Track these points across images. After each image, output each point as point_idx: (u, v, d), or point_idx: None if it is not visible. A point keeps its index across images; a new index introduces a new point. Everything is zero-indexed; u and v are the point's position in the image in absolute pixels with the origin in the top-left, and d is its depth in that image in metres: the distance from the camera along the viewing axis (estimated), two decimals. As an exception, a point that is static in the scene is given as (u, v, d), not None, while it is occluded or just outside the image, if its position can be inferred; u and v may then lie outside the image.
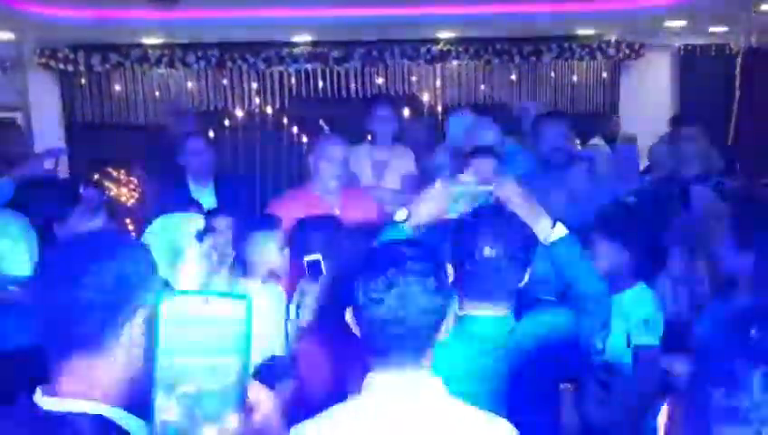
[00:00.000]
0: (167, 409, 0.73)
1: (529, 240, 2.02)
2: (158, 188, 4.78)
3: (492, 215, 2.03)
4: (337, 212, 3.48)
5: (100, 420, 1.12)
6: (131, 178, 6.98)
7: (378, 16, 6.30)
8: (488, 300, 1.96)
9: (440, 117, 7.53)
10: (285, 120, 7.68)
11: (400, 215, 2.22)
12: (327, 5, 5.94)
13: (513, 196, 2.15)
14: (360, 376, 1.61)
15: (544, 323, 2.01)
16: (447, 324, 1.57)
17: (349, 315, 1.59)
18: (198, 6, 5.48)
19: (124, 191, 6.97)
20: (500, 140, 4.14)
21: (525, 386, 1.92)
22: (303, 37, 7.31)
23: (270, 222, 3.16)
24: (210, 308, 0.73)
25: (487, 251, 1.92)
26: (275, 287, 3.10)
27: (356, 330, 1.59)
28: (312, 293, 2.85)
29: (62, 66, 7.10)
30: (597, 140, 7.21)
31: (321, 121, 7.66)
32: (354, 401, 1.54)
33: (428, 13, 6.38)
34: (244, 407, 0.78)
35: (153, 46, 7.21)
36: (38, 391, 1.18)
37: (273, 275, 3.09)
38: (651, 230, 3.12)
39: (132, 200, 6.68)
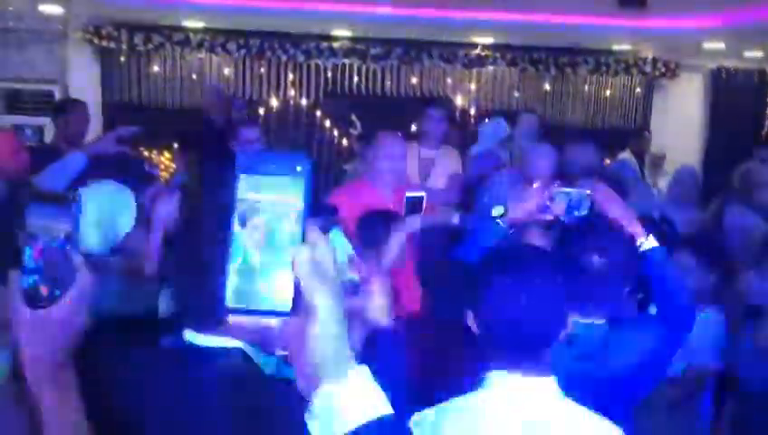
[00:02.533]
0: (244, 240, 0.79)
1: (634, 253, 2.02)
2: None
3: (601, 225, 2.05)
4: (392, 207, 3.53)
5: (241, 351, 1.17)
6: (164, 159, 7.04)
7: (418, 17, 6.34)
8: (591, 308, 1.97)
9: (472, 120, 7.60)
10: (318, 114, 7.73)
11: (497, 211, 2.23)
12: (369, 2, 5.98)
13: (610, 201, 2.16)
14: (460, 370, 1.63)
15: (637, 344, 2.00)
16: (568, 328, 1.58)
17: (470, 318, 1.59)
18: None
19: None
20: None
21: (607, 398, 1.94)
22: (343, 32, 7.36)
23: (329, 211, 3.20)
24: (277, 163, 0.81)
25: (596, 261, 1.93)
26: None
27: (475, 328, 1.59)
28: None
29: (104, 43, 7.15)
30: (626, 155, 7.29)
31: (353, 117, 7.68)
32: (474, 397, 1.55)
33: (469, 17, 6.44)
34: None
35: (195, 30, 7.27)
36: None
37: None
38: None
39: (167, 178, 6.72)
